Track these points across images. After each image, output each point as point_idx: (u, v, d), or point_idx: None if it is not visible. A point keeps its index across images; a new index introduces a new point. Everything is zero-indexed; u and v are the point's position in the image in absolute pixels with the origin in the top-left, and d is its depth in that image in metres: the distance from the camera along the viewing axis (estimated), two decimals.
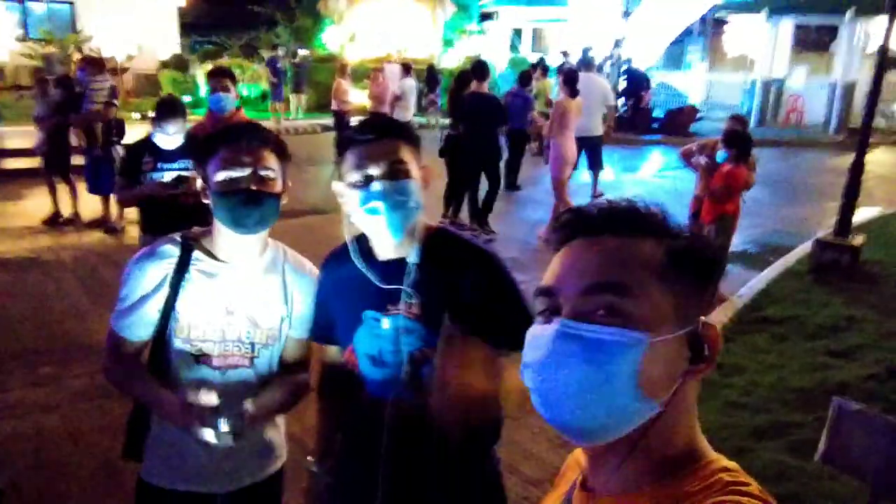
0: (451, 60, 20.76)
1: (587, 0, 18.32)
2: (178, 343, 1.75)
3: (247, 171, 1.67)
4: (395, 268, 1.61)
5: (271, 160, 1.72)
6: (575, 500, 0.94)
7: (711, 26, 20.35)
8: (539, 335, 0.85)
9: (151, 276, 1.73)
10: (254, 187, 1.67)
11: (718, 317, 5.33)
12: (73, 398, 4.08)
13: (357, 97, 13.15)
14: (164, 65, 18.64)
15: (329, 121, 14.28)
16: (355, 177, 1.55)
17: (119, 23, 17.53)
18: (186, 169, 3.96)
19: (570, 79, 8.08)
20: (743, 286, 6.14)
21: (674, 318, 0.82)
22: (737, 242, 6.77)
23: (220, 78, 4.31)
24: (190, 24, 22.78)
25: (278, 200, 1.74)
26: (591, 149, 9.41)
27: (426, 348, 1.57)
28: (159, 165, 3.92)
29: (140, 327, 1.76)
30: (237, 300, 1.78)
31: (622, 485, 0.85)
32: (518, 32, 24.57)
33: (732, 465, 0.83)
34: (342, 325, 1.70)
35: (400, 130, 1.61)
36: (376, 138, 1.56)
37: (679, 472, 0.82)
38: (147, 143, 4.02)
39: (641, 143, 15.22)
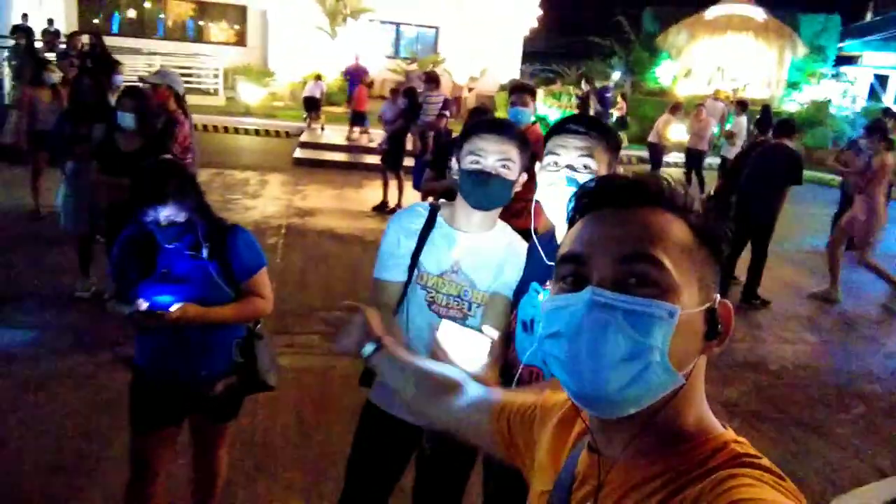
0: (794, 104, 19.23)
1: None
2: (417, 289, 2.11)
3: (489, 158, 1.98)
4: None
5: (512, 152, 2.00)
6: (581, 462, 0.95)
7: None
8: (565, 303, 0.83)
9: (407, 227, 2.13)
10: (491, 172, 1.98)
11: None
12: None
13: (678, 133, 12.96)
14: (503, 87, 20.24)
15: (644, 153, 14.30)
16: (552, 159, 1.81)
17: (471, 47, 19.57)
18: None
19: (877, 128, 7.10)
20: None
21: (697, 293, 0.83)
22: None
23: (520, 94, 4.75)
24: (534, 53, 24.42)
25: (511, 186, 2.02)
26: None
27: None
28: None
29: (397, 269, 2.12)
30: (462, 262, 2.10)
31: (633, 453, 0.86)
32: (883, 80, 21.81)
33: (741, 438, 0.85)
34: (517, 292, 1.99)
35: (604, 132, 1.81)
36: (582, 133, 1.78)
37: (690, 443, 0.84)
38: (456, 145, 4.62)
39: None
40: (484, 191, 1.99)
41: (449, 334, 1.52)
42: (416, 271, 2.12)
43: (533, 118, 4.83)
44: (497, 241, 2.14)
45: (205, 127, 14.22)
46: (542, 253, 1.89)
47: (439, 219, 2.14)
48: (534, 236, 1.94)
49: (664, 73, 20.52)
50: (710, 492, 0.75)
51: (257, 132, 15.22)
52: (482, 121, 2.13)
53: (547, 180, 1.80)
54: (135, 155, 4.54)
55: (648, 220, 0.85)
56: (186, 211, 2.37)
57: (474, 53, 19.60)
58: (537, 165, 1.90)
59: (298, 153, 12.57)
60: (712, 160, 13.64)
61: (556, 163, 1.79)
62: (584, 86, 17.42)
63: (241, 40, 21.38)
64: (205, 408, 2.61)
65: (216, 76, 18.17)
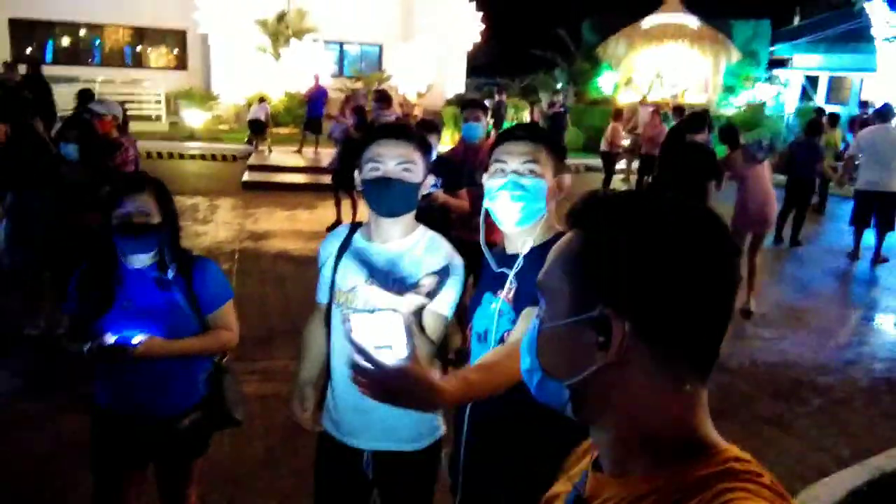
0: (730, 108, 19.87)
1: None
2: (335, 308, 2.11)
3: (388, 164, 1.95)
4: (513, 259, 1.82)
5: (413, 154, 1.99)
6: (588, 477, 0.97)
7: None
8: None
9: (326, 251, 2.17)
10: (392, 178, 1.94)
11: None
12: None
13: (627, 140, 13.33)
14: (449, 102, 20.37)
15: (594, 161, 14.59)
16: (498, 167, 1.82)
17: (415, 64, 19.63)
18: (435, 186, 4.45)
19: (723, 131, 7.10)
20: None
21: (572, 305, 0.87)
22: None
23: (472, 109, 4.78)
24: (477, 67, 24.66)
25: (415, 189, 2.00)
26: (884, 206, 8.43)
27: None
28: None
29: (323, 293, 2.18)
30: (377, 275, 2.04)
31: (621, 467, 0.88)
32: (813, 81, 22.69)
33: (745, 455, 0.83)
34: (471, 306, 1.97)
35: (547, 138, 1.84)
36: (526, 139, 1.80)
37: (686, 460, 0.82)
38: None
39: None
40: (386, 197, 1.95)
41: (362, 328, 1.28)
42: (333, 290, 2.12)
43: (486, 132, 4.87)
44: (414, 249, 2.05)
45: (148, 154, 13.90)
46: (492, 263, 1.89)
47: (356, 235, 2.13)
48: (484, 247, 1.90)
49: (606, 83, 20.96)
50: None
51: (203, 157, 14.96)
52: (378, 127, 2.13)
53: (494, 187, 1.82)
54: (80, 186, 4.41)
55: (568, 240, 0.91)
56: (159, 211, 2.34)
57: (419, 69, 19.67)
58: (484, 175, 1.90)
59: (247, 176, 12.39)
60: None
61: (502, 170, 1.81)
62: (497, 95, 17.62)
63: (181, 64, 21.01)
64: (171, 446, 2.52)
65: (158, 102, 17.83)
